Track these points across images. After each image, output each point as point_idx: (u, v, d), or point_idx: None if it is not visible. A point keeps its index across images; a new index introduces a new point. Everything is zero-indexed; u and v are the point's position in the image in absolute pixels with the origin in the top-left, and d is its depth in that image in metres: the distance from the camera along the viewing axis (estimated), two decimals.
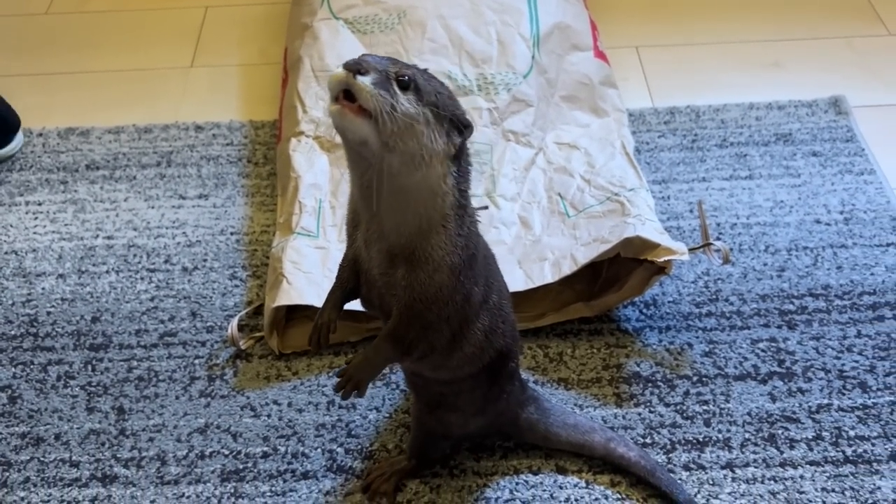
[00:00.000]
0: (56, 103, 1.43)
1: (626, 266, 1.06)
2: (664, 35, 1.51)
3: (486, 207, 1.15)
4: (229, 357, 1.07)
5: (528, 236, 1.12)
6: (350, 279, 0.79)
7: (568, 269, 1.03)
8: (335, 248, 1.09)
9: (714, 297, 1.10)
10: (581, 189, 1.15)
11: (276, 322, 1.05)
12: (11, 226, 1.23)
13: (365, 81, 0.64)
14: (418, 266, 0.72)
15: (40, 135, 1.35)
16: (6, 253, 1.19)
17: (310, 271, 1.06)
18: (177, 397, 1.03)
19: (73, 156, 1.32)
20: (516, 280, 1.06)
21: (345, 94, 0.65)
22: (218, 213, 1.23)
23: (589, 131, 1.25)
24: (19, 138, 1.33)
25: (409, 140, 0.66)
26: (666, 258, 0.99)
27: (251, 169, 1.29)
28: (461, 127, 0.70)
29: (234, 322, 1.07)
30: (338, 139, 1.17)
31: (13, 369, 1.06)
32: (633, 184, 1.12)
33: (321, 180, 1.15)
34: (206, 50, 1.51)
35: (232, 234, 1.21)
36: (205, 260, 1.17)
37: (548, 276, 1.05)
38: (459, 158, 0.72)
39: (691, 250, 1.03)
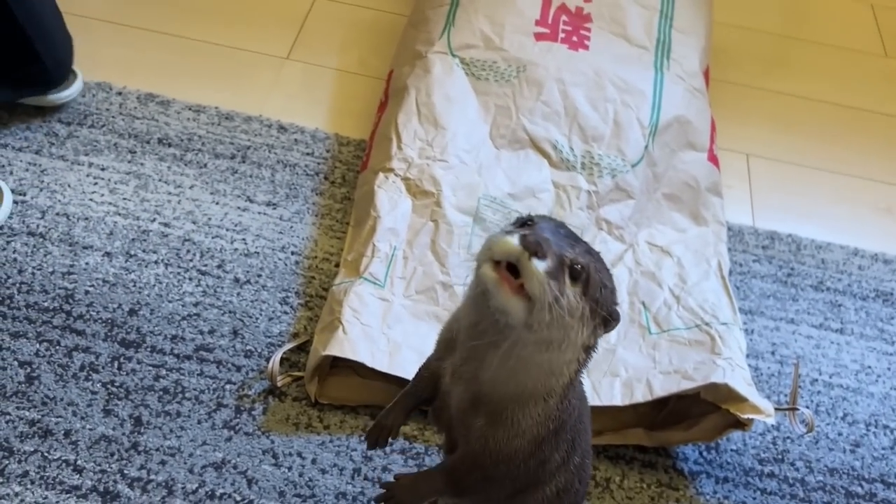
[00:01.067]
0: (140, 62, 1.36)
1: (698, 404, 0.98)
2: (778, 148, 1.43)
3: None
4: (262, 390, 1.00)
5: (602, 343, 1.04)
6: (427, 389, 0.73)
7: (641, 395, 0.96)
8: (398, 303, 1.02)
9: (780, 457, 1.02)
10: (668, 305, 1.07)
11: (319, 368, 0.99)
12: (69, 185, 1.16)
13: (539, 268, 0.58)
14: (501, 425, 0.66)
15: (119, 93, 1.29)
16: (58, 214, 1.13)
17: (368, 324, 0.99)
18: (199, 422, 0.97)
19: (147, 125, 1.25)
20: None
21: (508, 266, 0.59)
22: (283, 227, 1.16)
23: (685, 238, 1.17)
24: (77, 86, 1.26)
25: (556, 330, 0.60)
26: (750, 416, 0.92)
27: (326, 187, 1.22)
28: (610, 320, 0.64)
29: (277, 356, 1.00)
30: (426, 186, 1.10)
31: (37, 345, 1.00)
32: (727, 317, 1.05)
33: (400, 226, 1.08)
34: (306, 44, 1.44)
35: (293, 253, 1.14)
36: (259, 275, 1.11)
37: (617, 396, 0.97)
38: (592, 348, 0.65)
39: (777, 410, 0.96)
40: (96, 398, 0.97)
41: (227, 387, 1.00)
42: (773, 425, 1.05)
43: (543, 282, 0.58)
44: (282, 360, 1.01)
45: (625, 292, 1.10)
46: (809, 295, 1.20)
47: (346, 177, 1.24)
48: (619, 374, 1.00)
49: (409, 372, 0.96)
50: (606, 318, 0.63)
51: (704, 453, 1.02)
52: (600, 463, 0.99)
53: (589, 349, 0.65)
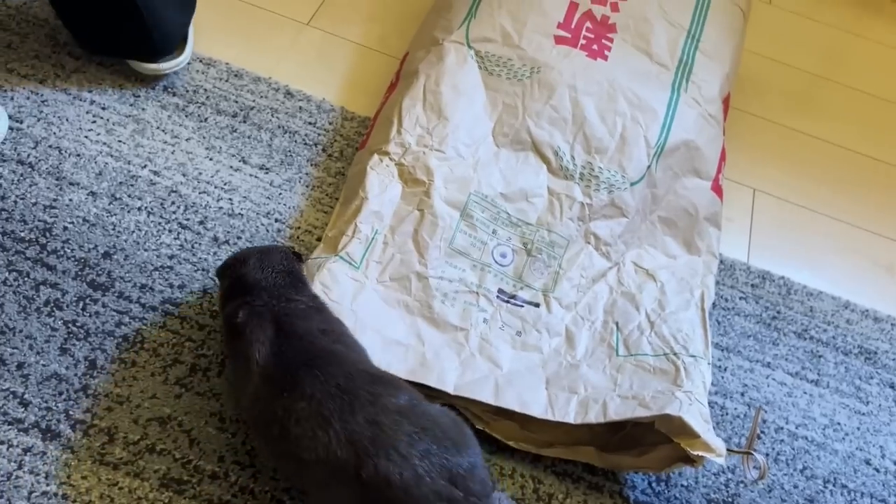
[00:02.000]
0: None
1: (653, 433, 0.96)
2: (787, 188, 1.40)
3: (537, 305, 1.06)
4: (220, 352, 0.99)
5: (568, 356, 1.03)
6: None
7: (594, 417, 0.94)
8: (371, 286, 1.01)
9: (730, 500, 1.00)
10: (641, 329, 1.05)
11: None
12: (67, 120, 1.16)
13: None
14: None
15: None
16: (51, 146, 1.13)
17: (337, 301, 0.98)
18: (152, 374, 0.96)
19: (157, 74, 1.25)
20: (537, 403, 0.97)
21: None
22: (272, 192, 1.16)
23: (673, 264, 1.15)
24: (183, 58, 1.24)
25: None
26: (700, 453, 0.90)
27: (323, 159, 1.21)
28: None
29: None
30: (419, 174, 1.08)
31: (6, 274, 1.00)
32: (697, 350, 1.03)
33: (386, 211, 1.06)
34: (329, 12, 1.42)
35: (276, 220, 1.13)
36: (239, 238, 1.10)
37: (570, 414, 0.96)
38: None
39: (730, 452, 0.94)
40: (55, 335, 0.97)
41: (187, 343, 0.99)
42: (727, 467, 1.03)
43: None
44: None
45: (601, 311, 1.08)
46: (791, 341, 1.18)
47: (345, 152, 1.23)
48: (577, 392, 0.98)
49: (369, 353, 0.96)
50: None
51: (654, 484, 1.00)
52: (546, 476, 0.98)
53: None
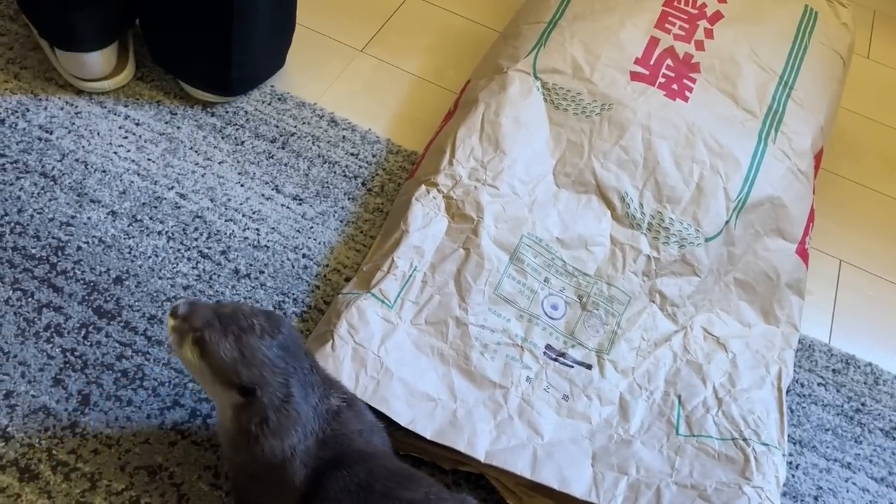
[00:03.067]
0: None
1: None
2: (879, 262, 1.23)
3: (589, 366, 0.93)
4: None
5: (620, 429, 0.89)
6: None
7: None
8: (403, 329, 0.90)
9: None
10: (707, 406, 0.91)
11: None
12: (98, 134, 1.09)
13: (169, 322, 0.71)
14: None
15: None
16: (77, 160, 1.06)
17: (362, 344, 0.87)
18: (149, 416, 0.86)
19: None
20: (580, 481, 0.83)
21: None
22: (303, 225, 1.06)
23: (748, 334, 1.01)
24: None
25: (201, 379, 0.71)
26: None
27: (362, 194, 1.11)
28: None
29: None
30: (468, 209, 0.97)
31: (10, 293, 0.92)
32: (771, 438, 0.87)
33: (428, 246, 0.95)
34: (386, 40, 1.34)
35: (304, 256, 1.03)
36: (261, 272, 1.00)
37: (618, 499, 0.81)
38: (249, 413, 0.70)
39: None
40: (51, 364, 0.88)
41: (190, 385, 0.89)
42: None
43: (169, 333, 0.70)
44: None
45: (662, 380, 0.94)
46: (877, 440, 1.00)
47: (386, 187, 1.13)
48: (627, 473, 0.84)
49: (394, 407, 0.84)
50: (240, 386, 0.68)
51: None
52: None
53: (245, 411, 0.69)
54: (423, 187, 1.00)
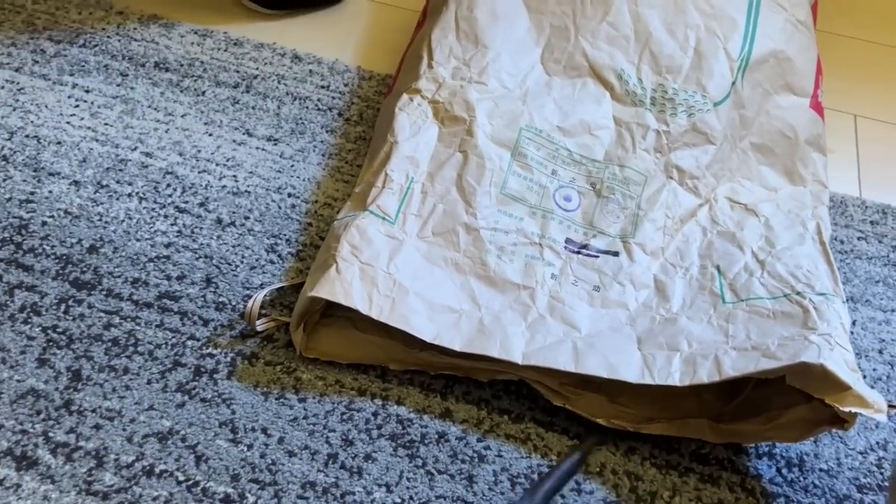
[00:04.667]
0: None
1: (782, 394, 0.74)
2: (891, 108, 1.17)
3: (616, 254, 0.86)
4: (230, 350, 0.81)
5: (661, 310, 0.82)
6: None
7: (706, 375, 0.73)
8: (410, 244, 0.82)
9: (886, 484, 0.77)
10: (750, 271, 0.83)
11: (307, 313, 0.79)
12: (46, 106, 1.01)
13: None
14: None
15: (120, 13, 1.13)
16: (27, 136, 0.97)
17: (369, 263, 0.79)
18: (149, 381, 0.78)
19: (145, 47, 1.09)
20: (630, 366, 0.76)
21: None
22: (282, 165, 0.98)
23: (776, 198, 0.93)
24: None
25: None
26: (853, 409, 0.67)
27: (340, 125, 1.03)
28: None
29: (261, 295, 0.81)
30: (457, 110, 0.90)
31: None
32: (826, 287, 0.80)
33: (422, 155, 0.87)
34: None
35: (290, 195, 0.95)
36: (246, 217, 0.92)
37: (675, 375, 0.74)
38: None
39: (892, 407, 0.71)
40: (32, 345, 0.80)
41: (189, 343, 0.81)
42: (877, 443, 0.80)
43: None
44: (267, 304, 0.82)
45: (695, 255, 0.86)
46: None
47: (364, 115, 1.05)
48: (679, 349, 0.76)
49: (414, 324, 0.76)
50: None
51: (784, 471, 0.78)
52: (644, 471, 0.76)
53: None
54: (406, 96, 0.92)
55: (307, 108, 1.04)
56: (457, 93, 0.91)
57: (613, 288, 0.83)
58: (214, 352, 0.81)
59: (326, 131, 1.02)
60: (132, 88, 1.04)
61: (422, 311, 0.78)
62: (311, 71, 1.09)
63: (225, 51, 1.10)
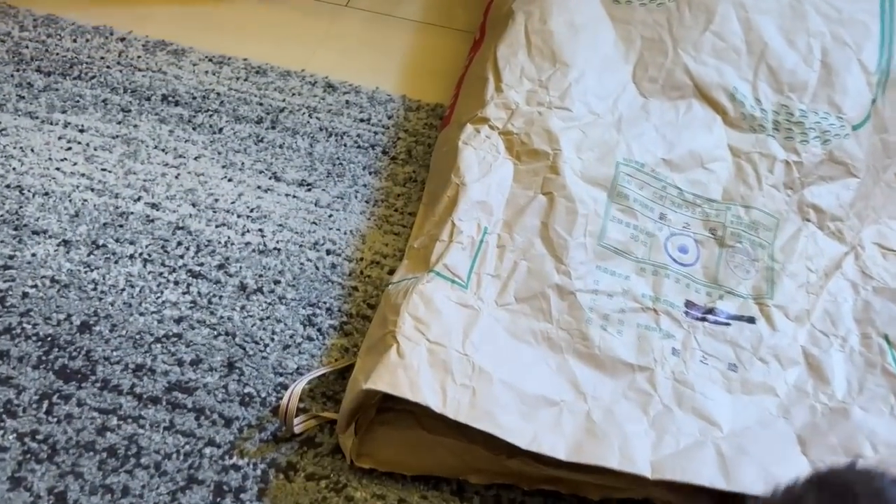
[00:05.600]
0: (155, 10, 1.04)
1: None
2: None
3: (752, 320, 0.67)
4: (262, 458, 0.62)
5: (822, 395, 0.63)
6: None
7: None
8: (489, 313, 0.63)
9: None
10: None
11: (360, 409, 0.61)
12: (33, 150, 0.84)
13: None
14: None
15: (122, 39, 0.96)
16: (8, 186, 0.80)
17: (438, 342, 0.60)
18: None
19: (151, 78, 0.92)
20: (799, 470, 0.56)
21: None
22: (318, 215, 0.80)
23: None
24: None
25: None
26: None
27: (385, 164, 0.86)
28: None
29: (299, 385, 0.63)
30: (537, 143, 0.72)
31: None
32: None
33: (495, 200, 0.69)
34: None
35: (329, 252, 0.77)
36: (276, 282, 0.74)
37: None
38: None
39: None
40: (3, 458, 0.61)
41: (208, 451, 0.63)
42: None
43: None
44: (306, 397, 0.64)
45: (850, 319, 0.68)
46: None
47: (413, 152, 0.87)
48: (861, 454, 0.57)
49: (503, 423, 0.58)
50: None
51: None
52: None
53: None
54: (470, 127, 0.74)
55: (345, 145, 0.87)
56: (534, 121, 0.73)
57: (754, 366, 0.64)
58: (240, 462, 0.62)
59: (369, 173, 0.84)
60: (135, 126, 0.87)
61: (511, 404, 0.59)
62: (347, 102, 0.91)
63: (245, 80, 0.93)
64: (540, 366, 0.62)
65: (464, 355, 0.61)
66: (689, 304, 0.67)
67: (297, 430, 0.63)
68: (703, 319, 0.67)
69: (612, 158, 0.72)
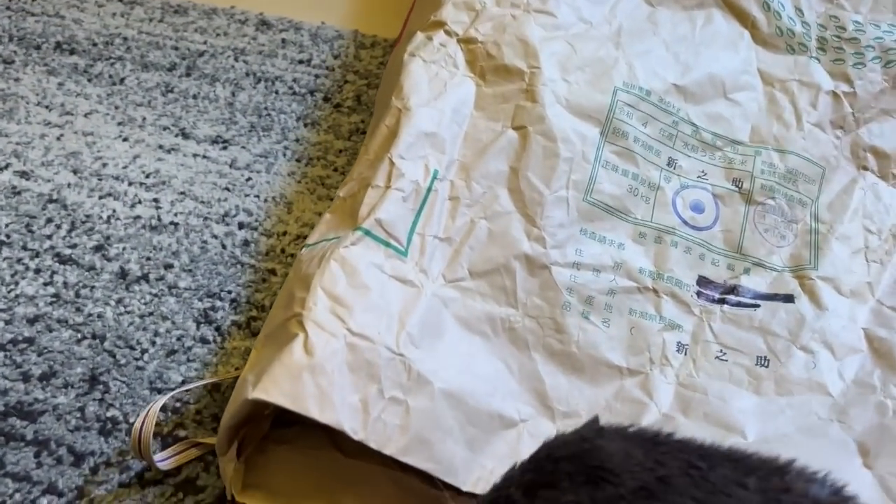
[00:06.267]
0: None
1: None
2: None
3: (789, 298, 0.49)
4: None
5: (894, 387, 0.45)
6: None
7: None
8: (432, 293, 0.45)
9: None
10: None
11: (243, 423, 0.43)
12: None
13: None
14: None
15: None
16: None
17: (363, 334, 0.42)
18: None
19: (45, 24, 0.75)
20: (862, 487, 0.41)
21: None
22: (233, 179, 0.62)
23: None
24: None
25: None
26: None
27: (326, 114, 0.68)
28: None
29: (158, 403, 0.45)
30: (508, 56, 0.53)
31: None
32: None
33: (449, 133, 0.50)
34: None
35: (242, 226, 0.59)
36: (168, 265, 0.56)
37: None
38: None
39: None
40: None
41: (45, 500, 0.45)
42: None
43: None
44: (191, 418, 0.46)
45: None
46: None
47: (363, 97, 0.69)
48: None
49: (443, 456, 0.40)
50: None
51: None
52: None
53: None
54: (421, 35, 0.55)
55: (276, 92, 0.69)
56: (506, 27, 0.54)
57: (794, 358, 0.46)
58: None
59: (304, 125, 0.66)
60: (16, 80, 0.70)
61: (455, 428, 0.41)
62: (284, 41, 0.73)
63: (160, 21, 0.75)
64: (497, 369, 0.44)
65: (397, 356, 0.42)
66: (702, 282, 0.49)
67: (163, 466, 0.45)
68: (723, 301, 0.48)
69: (609, 82, 0.52)
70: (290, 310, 0.44)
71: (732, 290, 0.50)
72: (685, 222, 0.51)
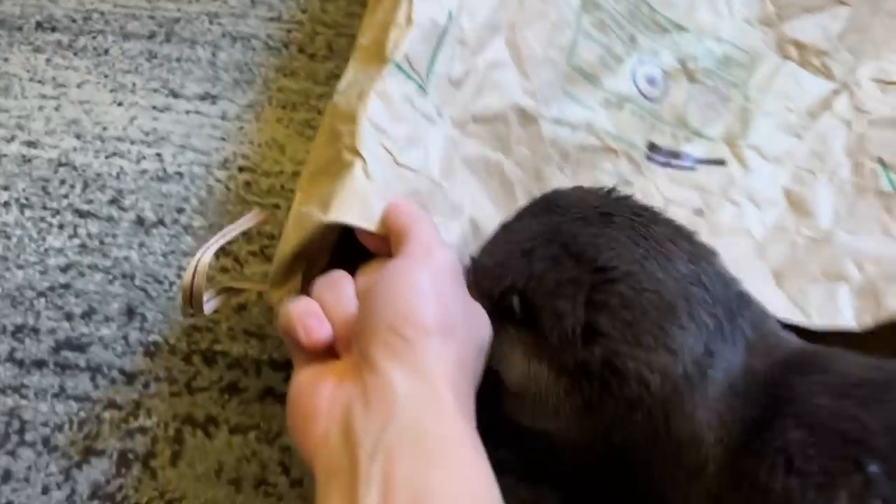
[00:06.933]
0: None
1: None
2: None
3: (722, 162, 0.57)
4: (171, 415, 0.51)
5: (804, 229, 0.54)
6: None
7: None
8: (445, 132, 0.49)
9: None
10: None
11: (306, 256, 0.45)
12: None
13: None
14: None
15: None
16: None
17: (409, 165, 0.46)
18: (44, 490, 0.49)
19: (22, 6, 0.79)
20: (776, 302, 0.49)
21: None
22: (226, 129, 0.68)
23: None
24: None
25: None
26: None
27: (303, 64, 0.73)
28: None
29: (206, 255, 0.47)
30: None
31: None
32: None
33: None
34: None
35: (241, 169, 0.65)
36: (180, 210, 0.62)
37: (845, 313, 0.47)
38: None
39: None
40: None
41: (108, 414, 0.52)
42: None
43: None
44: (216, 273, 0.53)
45: (841, 153, 0.57)
46: None
47: (335, 45, 0.75)
48: (845, 277, 0.49)
49: None
50: None
51: None
52: None
53: None
54: None
55: (253, 49, 0.74)
56: None
57: (724, 209, 0.54)
58: (148, 423, 0.51)
59: (284, 75, 0.72)
60: (5, 60, 0.74)
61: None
62: (253, 2, 0.79)
63: None
64: (492, 209, 0.51)
65: (437, 186, 0.47)
66: (652, 147, 0.57)
67: (208, 308, 0.48)
68: (667, 164, 0.56)
69: None
70: (339, 142, 0.45)
71: (676, 155, 0.58)
72: (640, 93, 0.58)
